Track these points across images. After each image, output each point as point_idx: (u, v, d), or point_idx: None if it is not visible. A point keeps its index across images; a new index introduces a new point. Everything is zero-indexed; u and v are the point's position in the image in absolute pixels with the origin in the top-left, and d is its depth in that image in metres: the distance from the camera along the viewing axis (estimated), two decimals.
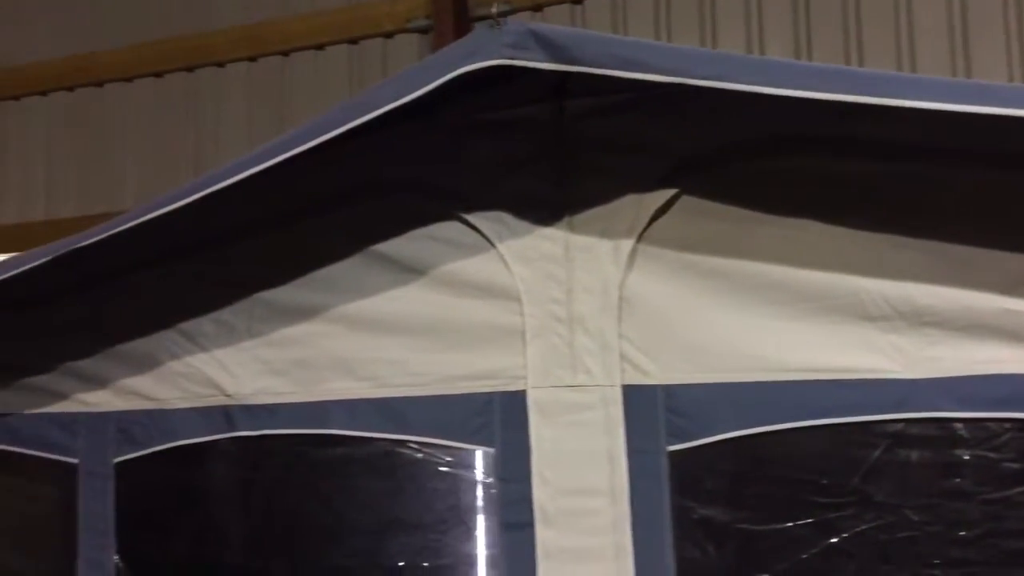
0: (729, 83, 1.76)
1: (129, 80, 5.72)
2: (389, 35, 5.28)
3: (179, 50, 5.58)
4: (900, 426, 1.93)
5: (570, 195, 2.19)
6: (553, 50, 1.90)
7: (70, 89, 5.84)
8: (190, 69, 5.62)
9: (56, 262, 2.23)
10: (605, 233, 2.15)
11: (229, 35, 5.50)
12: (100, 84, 5.78)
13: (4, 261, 2.44)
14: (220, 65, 5.57)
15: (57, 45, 5.86)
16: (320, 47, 5.39)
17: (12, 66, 5.96)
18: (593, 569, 2.10)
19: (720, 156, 2.09)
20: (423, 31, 5.18)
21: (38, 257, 2.24)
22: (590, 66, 1.89)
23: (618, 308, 2.13)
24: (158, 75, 5.65)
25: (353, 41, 5.33)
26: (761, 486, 2.02)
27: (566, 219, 2.19)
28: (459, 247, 2.27)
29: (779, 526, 1.99)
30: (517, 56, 1.91)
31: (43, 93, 5.91)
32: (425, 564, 2.26)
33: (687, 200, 2.10)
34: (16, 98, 5.98)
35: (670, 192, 2.10)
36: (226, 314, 2.44)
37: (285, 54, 5.45)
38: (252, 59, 5.53)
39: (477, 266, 2.26)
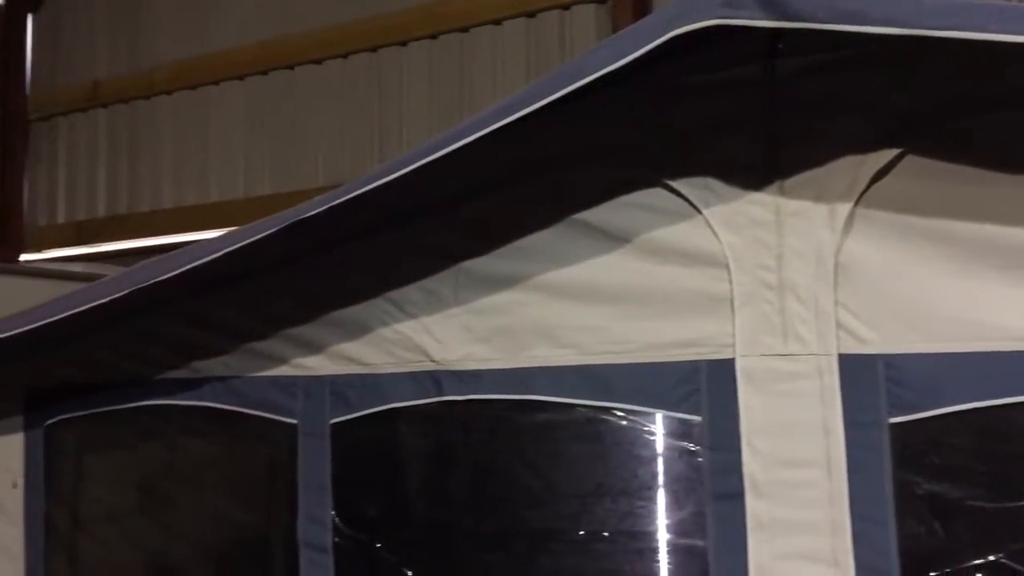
0: (968, 32, 1.64)
1: (318, 62, 5.97)
2: (566, 7, 5.27)
3: (364, 31, 5.78)
4: None
5: (781, 158, 2.12)
6: (770, 6, 1.84)
7: (264, 73, 6.16)
8: (374, 49, 5.81)
9: (275, 236, 2.35)
10: (820, 197, 2.08)
11: (411, 14, 5.65)
12: (291, 67, 6.06)
13: (226, 235, 2.59)
14: (402, 44, 5.73)
15: (252, 31, 6.20)
16: (498, 22, 5.45)
17: (212, 53, 6.34)
18: (807, 542, 2.05)
19: (949, 112, 1.97)
20: (600, 1, 5.15)
21: (261, 230, 2.37)
22: (809, 21, 1.82)
23: (834, 274, 2.06)
24: (345, 56, 5.88)
25: (531, 15, 5.35)
26: (995, 462, 1.91)
27: (777, 183, 2.13)
28: (663, 214, 2.25)
29: (1016, 504, 1.87)
30: (732, 15, 1.85)
31: (240, 78, 6.26)
32: (630, 530, 2.27)
33: (912, 160, 2.00)
34: (216, 83, 6.36)
35: (893, 152, 2.00)
36: (432, 282, 2.51)
37: (464, 30, 5.54)
38: (433, 36, 5.65)
39: (682, 233, 2.23)
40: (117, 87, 6.77)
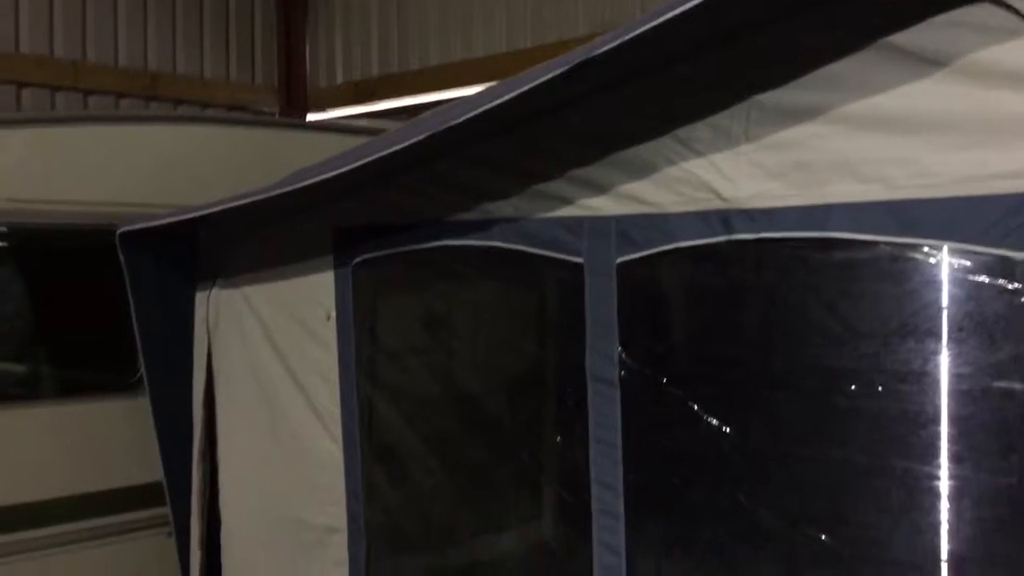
0: None
1: None
2: None
3: None
4: None
5: None
6: None
7: None
8: None
9: (561, 77, 2.35)
10: None
11: None
12: None
13: (514, 79, 2.63)
14: None
15: None
16: None
17: None
18: None
19: None
20: None
21: (550, 70, 2.38)
22: None
23: None
24: None
25: None
26: None
27: None
28: (990, 32, 2.01)
29: None
30: None
31: None
32: (936, 373, 2.17)
33: None
34: None
35: None
36: (722, 119, 2.43)
37: None
38: None
39: (1012, 52, 1.99)
40: None
